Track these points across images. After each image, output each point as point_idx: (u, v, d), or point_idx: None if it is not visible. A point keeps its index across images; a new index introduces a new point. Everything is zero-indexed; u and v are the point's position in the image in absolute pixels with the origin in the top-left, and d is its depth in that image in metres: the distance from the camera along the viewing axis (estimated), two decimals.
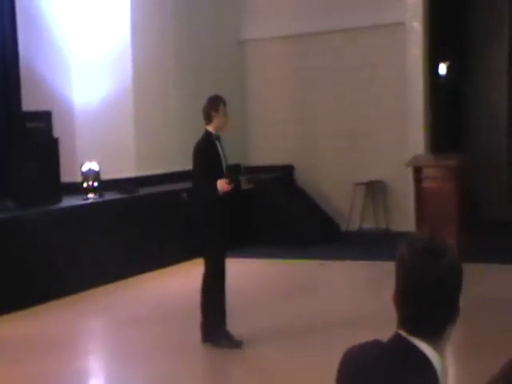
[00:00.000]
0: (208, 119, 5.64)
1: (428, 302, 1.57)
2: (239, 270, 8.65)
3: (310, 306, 6.93)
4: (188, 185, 8.87)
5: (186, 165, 9.06)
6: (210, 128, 5.63)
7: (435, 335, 1.60)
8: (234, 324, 5.79)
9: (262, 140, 11.64)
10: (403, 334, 1.61)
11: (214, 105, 5.64)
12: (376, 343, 1.66)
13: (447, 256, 1.57)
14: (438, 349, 1.59)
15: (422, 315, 1.58)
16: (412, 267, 1.58)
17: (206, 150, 5.56)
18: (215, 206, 5.53)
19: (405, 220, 10.07)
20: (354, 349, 1.69)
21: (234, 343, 5.55)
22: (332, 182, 11.09)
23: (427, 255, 1.57)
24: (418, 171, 8.45)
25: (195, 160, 5.62)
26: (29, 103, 8.58)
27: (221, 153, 5.65)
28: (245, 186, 5.83)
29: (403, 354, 1.59)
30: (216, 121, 5.61)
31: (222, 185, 5.44)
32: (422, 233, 1.64)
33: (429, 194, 8.26)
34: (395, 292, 1.63)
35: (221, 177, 5.53)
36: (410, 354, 1.59)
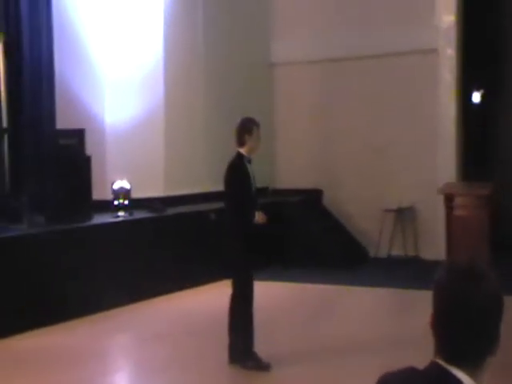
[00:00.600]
0: (240, 142, 5.63)
1: (467, 329, 1.52)
2: (265, 293, 8.59)
3: (335, 330, 6.84)
4: (216, 205, 8.91)
5: (214, 186, 9.14)
6: (242, 150, 5.63)
7: (474, 365, 1.54)
8: (259, 346, 5.73)
9: (290, 163, 11.64)
10: (440, 362, 1.56)
11: (247, 128, 5.64)
12: (412, 370, 1.61)
13: (488, 281, 1.52)
14: (476, 379, 1.54)
15: (461, 343, 1.53)
16: (451, 292, 1.53)
17: (241, 173, 5.57)
18: (247, 230, 5.57)
19: (435, 248, 9.95)
20: (389, 376, 1.64)
21: (261, 365, 5.50)
22: (360, 206, 11.01)
23: (467, 280, 1.52)
24: (449, 199, 8.34)
25: (229, 181, 5.60)
26: (62, 121, 8.70)
27: (252, 176, 5.65)
28: (260, 219, 5.71)
29: (440, 383, 1.54)
30: (249, 144, 5.61)
31: (259, 217, 5.54)
32: (462, 257, 1.59)
33: (460, 223, 8.14)
34: (432, 318, 1.59)
35: (252, 200, 5.56)
36: (447, 383, 1.54)
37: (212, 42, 10.47)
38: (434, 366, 1.57)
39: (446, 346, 1.55)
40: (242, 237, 5.54)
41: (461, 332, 1.52)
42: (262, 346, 5.74)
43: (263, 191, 11.50)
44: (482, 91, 11.55)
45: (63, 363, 5.81)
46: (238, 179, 5.55)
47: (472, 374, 1.54)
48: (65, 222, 7.55)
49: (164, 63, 9.58)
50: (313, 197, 11.27)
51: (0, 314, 6.47)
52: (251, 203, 5.61)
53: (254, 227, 5.61)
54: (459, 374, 1.53)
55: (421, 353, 1.92)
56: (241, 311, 5.54)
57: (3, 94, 8.26)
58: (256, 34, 11.56)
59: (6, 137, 8.33)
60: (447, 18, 10.55)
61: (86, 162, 8.00)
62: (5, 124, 8.31)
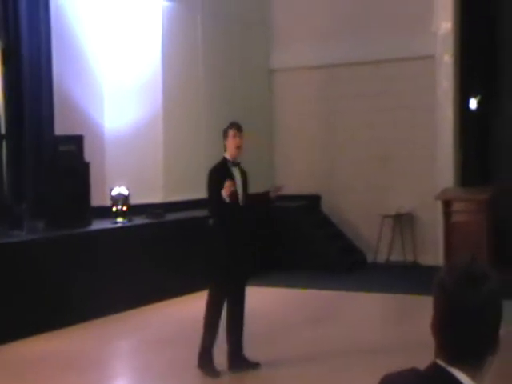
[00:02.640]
0: (224, 147, 5.72)
1: (468, 330, 1.53)
2: (264, 298, 8.61)
3: (332, 335, 6.86)
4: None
5: None
6: (226, 155, 5.68)
7: (474, 365, 1.55)
8: (259, 351, 5.72)
9: (289, 168, 11.66)
10: (441, 363, 1.57)
11: (223, 132, 5.70)
12: (413, 371, 1.63)
13: (489, 282, 1.53)
14: (476, 379, 1.55)
15: (462, 344, 1.55)
16: (452, 293, 1.54)
17: (217, 174, 5.53)
18: (227, 237, 5.51)
19: (433, 253, 9.97)
20: (391, 376, 1.65)
21: (213, 371, 5.54)
22: (359, 212, 11.04)
23: (468, 281, 1.53)
24: (447, 205, 8.36)
25: (207, 184, 5.63)
26: (61, 127, 8.71)
27: (237, 179, 5.60)
28: (274, 193, 5.84)
29: None
30: (227, 147, 5.66)
31: (224, 191, 5.35)
32: (462, 259, 1.60)
33: (458, 228, 8.15)
34: (433, 319, 1.60)
35: (231, 204, 5.45)
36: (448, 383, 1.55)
37: (211, 50, 10.50)
38: (434, 366, 1.58)
39: (447, 347, 1.56)
40: (223, 244, 5.51)
41: (461, 333, 1.54)
42: (261, 350, 5.74)
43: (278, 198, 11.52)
44: (479, 97, 11.58)
45: (65, 369, 5.81)
46: (213, 183, 5.50)
47: (473, 374, 1.55)
48: (64, 227, 7.56)
49: (163, 70, 9.60)
50: (312, 202, 11.29)
51: (1, 319, 6.47)
52: (230, 208, 5.48)
53: (239, 233, 5.56)
54: (460, 374, 1.54)
55: (420, 356, 1.93)
56: (208, 316, 5.57)
57: (1, 101, 8.27)
58: (255, 40, 11.60)
59: (4, 143, 8.33)
60: (444, 24, 10.60)
61: (84, 168, 8.01)
62: (3, 130, 8.32)
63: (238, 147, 5.64)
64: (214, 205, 5.55)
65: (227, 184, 5.36)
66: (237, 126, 5.68)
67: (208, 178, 5.63)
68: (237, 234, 5.57)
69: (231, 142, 5.62)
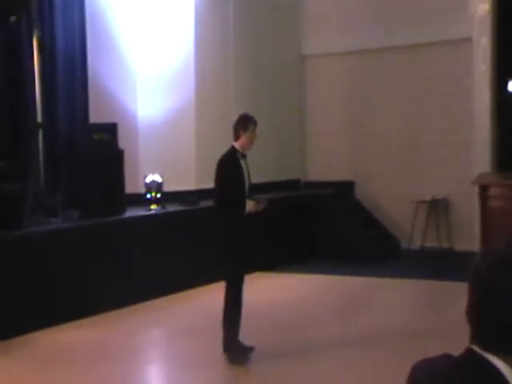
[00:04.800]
0: (236, 136, 5.67)
1: (503, 315, 1.49)
2: (298, 286, 8.60)
3: (367, 322, 6.82)
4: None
5: None
6: (237, 145, 5.65)
7: (510, 351, 1.52)
8: (294, 336, 5.71)
9: (322, 155, 11.59)
10: (476, 349, 1.54)
11: (243, 124, 5.67)
12: (447, 358, 1.59)
13: None
14: None
15: (497, 329, 1.51)
16: (487, 278, 1.50)
17: (229, 165, 5.55)
18: (237, 224, 5.52)
19: (469, 239, 9.81)
20: (424, 363, 1.62)
21: (238, 358, 5.52)
22: (393, 198, 10.93)
23: (504, 265, 1.49)
24: (484, 190, 8.21)
25: (217, 174, 5.60)
26: (95, 115, 8.78)
27: (245, 171, 5.63)
28: (251, 208, 5.63)
29: (476, 370, 1.52)
30: (242, 139, 5.63)
31: (250, 206, 5.51)
32: (499, 245, 1.56)
33: (495, 214, 8.00)
34: (468, 305, 1.56)
35: (244, 196, 5.52)
36: (483, 369, 1.51)
37: (242, 37, 10.46)
38: (469, 352, 1.54)
39: (482, 333, 1.53)
40: (232, 236, 5.51)
41: (496, 318, 1.50)
42: (297, 336, 5.73)
43: (295, 184, 11.48)
44: None
45: (95, 357, 5.87)
46: (228, 174, 5.52)
47: (509, 360, 1.51)
48: (98, 215, 7.63)
49: (195, 58, 9.60)
50: (345, 189, 11.21)
51: (32, 307, 6.58)
52: (243, 200, 5.53)
53: (247, 225, 5.57)
54: (496, 360, 1.51)
55: (455, 343, 1.89)
56: (228, 311, 5.56)
57: (38, 90, 8.38)
58: (287, 26, 11.51)
59: (40, 132, 8.44)
60: (481, 6, 10.38)
61: (118, 155, 8.07)
62: (40, 119, 8.43)
63: (253, 143, 5.72)
64: (226, 196, 5.51)
65: (255, 207, 5.54)
66: (256, 123, 5.73)
67: (218, 168, 5.59)
68: (245, 230, 5.58)
69: (250, 137, 5.64)
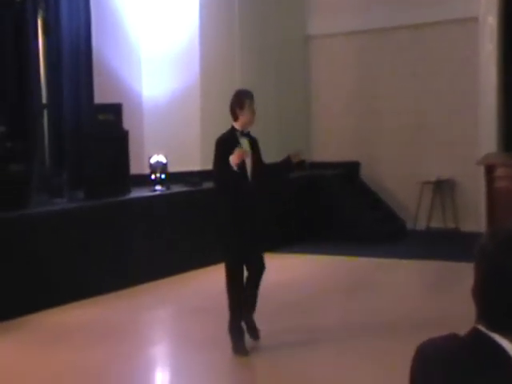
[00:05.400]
0: (233, 116, 5.30)
1: (510, 294, 1.49)
2: (303, 267, 8.62)
3: (373, 303, 6.83)
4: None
5: None
6: (236, 125, 5.30)
7: None
8: (300, 318, 5.72)
9: (327, 136, 11.54)
10: (482, 329, 1.53)
11: (239, 101, 5.28)
12: (453, 338, 1.59)
13: None
14: None
15: (503, 309, 1.51)
16: (494, 257, 1.50)
17: (225, 145, 5.14)
18: (235, 209, 5.19)
19: (475, 219, 9.81)
20: (429, 343, 1.62)
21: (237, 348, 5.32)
22: (398, 178, 10.90)
23: (511, 244, 1.49)
24: (490, 170, 8.18)
25: (214, 155, 5.24)
26: (100, 96, 8.76)
27: (245, 148, 5.21)
28: (294, 158, 5.43)
29: (482, 350, 1.52)
30: (241, 118, 5.26)
31: (233, 158, 5.02)
32: (506, 225, 1.55)
33: (501, 194, 7.98)
34: (474, 285, 1.56)
35: (239, 176, 5.12)
36: (489, 349, 1.51)
37: (247, 16, 10.38)
38: (475, 332, 1.54)
39: (488, 312, 1.53)
40: (229, 218, 5.23)
41: (502, 297, 1.50)
42: (303, 317, 5.74)
43: (299, 164, 11.45)
44: None
45: (101, 337, 5.89)
46: (222, 155, 5.10)
47: None
48: (103, 196, 7.65)
49: (200, 38, 9.55)
50: (350, 170, 11.19)
51: (38, 286, 6.61)
52: (239, 180, 5.16)
53: (249, 206, 5.21)
54: (502, 340, 1.50)
55: (461, 323, 1.89)
56: (228, 292, 5.36)
57: (42, 71, 8.35)
58: (292, 6, 11.42)
59: (45, 113, 8.43)
60: None
61: (123, 136, 8.06)
62: (44, 100, 8.41)
63: (253, 119, 5.33)
64: (220, 177, 5.24)
65: (238, 152, 5.04)
66: (252, 96, 5.33)
67: (215, 148, 5.24)
68: (244, 212, 5.20)
69: (248, 113, 5.25)
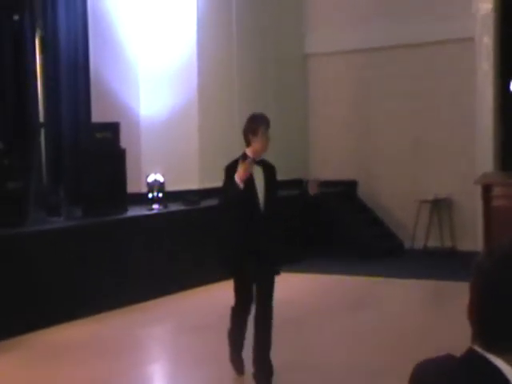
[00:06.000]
0: (246, 141, 4.94)
1: (505, 314, 1.48)
2: (300, 284, 8.59)
3: (369, 321, 6.80)
4: None
5: None
6: (248, 151, 4.91)
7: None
8: (295, 337, 5.69)
9: (325, 154, 11.56)
10: (478, 349, 1.52)
11: (252, 127, 4.91)
12: (448, 358, 1.58)
13: None
14: None
15: (499, 329, 1.49)
16: (490, 276, 1.49)
17: (233, 171, 4.72)
18: (240, 240, 4.87)
19: (472, 239, 9.80)
20: (426, 363, 1.61)
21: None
22: (396, 197, 10.91)
23: (508, 264, 1.48)
24: (487, 189, 8.19)
25: (223, 181, 4.88)
26: (97, 114, 8.78)
27: (257, 180, 4.85)
28: (312, 190, 5.03)
29: (477, 371, 1.50)
30: (254, 145, 4.89)
31: (238, 173, 4.66)
32: (503, 243, 1.54)
33: (498, 213, 7.99)
34: (470, 304, 1.55)
35: (252, 210, 4.79)
36: (485, 370, 1.50)
37: (245, 34, 10.44)
38: (470, 353, 1.53)
39: (483, 332, 1.52)
40: (234, 245, 4.96)
41: (498, 317, 1.48)
42: (298, 337, 5.71)
43: (296, 183, 11.46)
44: None
45: (98, 355, 5.87)
46: (228, 180, 4.76)
47: (511, 361, 1.50)
48: (100, 214, 7.64)
49: (198, 56, 9.59)
50: (348, 188, 11.20)
51: (36, 305, 6.59)
52: (245, 212, 4.84)
53: (256, 245, 4.80)
54: (497, 361, 1.49)
55: (457, 343, 1.88)
56: (231, 316, 5.13)
57: (40, 89, 8.38)
58: (290, 24, 11.50)
59: (43, 131, 8.45)
60: (484, 5, 10.35)
61: (120, 155, 8.07)
62: (42, 118, 8.43)
63: (267, 145, 4.96)
64: (226, 196, 4.89)
65: (242, 165, 4.66)
66: (267, 122, 4.96)
67: (224, 175, 4.87)
68: (253, 246, 4.83)
69: (261, 141, 4.86)
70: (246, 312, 5.03)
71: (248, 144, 4.93)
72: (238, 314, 5.07)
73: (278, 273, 4.95)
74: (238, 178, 4.65)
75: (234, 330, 5.11)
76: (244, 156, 4.87)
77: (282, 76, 11.11)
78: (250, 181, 4.76)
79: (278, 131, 11.51)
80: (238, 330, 5.08)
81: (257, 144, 4.89)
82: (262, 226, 4.84)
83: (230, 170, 4.79)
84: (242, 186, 4.66)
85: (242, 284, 4.94)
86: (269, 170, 5.01)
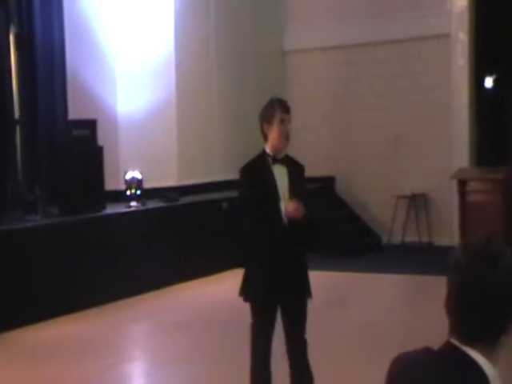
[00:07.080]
0: (264, 136, 3.94)
1: (482, 308, 1.51)
2: None
3: (346, 317, 6.85)
4: (229, 194, 8.92)
5: (228, 174, 9.15)
6: (267, 148, 3.92)
7: (488, 344, 1.53)
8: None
9: (303, 151, 11.55)
10: (455, 342, 1.55)
11: (265, 115, 3.91)
12: (426, 351, 1.61)
13: (505, 260, 1.51)
14: (490, 358, 1.53)
15: (475, 322, 1.53)
16: (467, 271, 1.52)
17: (251, 174, 3.91)
18: (260, 246, 3.89)
19: (449, 233, 9.91)
20: (403, 357, 1.64)
21: None
22: (373, 193, 10.98)
23: (484, 258, 1.50)
24: (462, 184, 8.30)
25: (239, 185, 4.12)
26: (74, 112, 8.71)
27: (278, 180, 3.87)
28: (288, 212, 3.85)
29: (454, 363, 1.53)
30: (271, 137, 3.88)
31: (288, 209, 3.80)
32: (479, 238, 1.57)
33: (474, 208, 8.10)
34: (447, 298, 1.58)
35: (273, 211, 3.82)
36: (462, 362, 1.53)
37: (224, 31, 10.43)
38: (448, 346, 1.56)
39: (460, 326, 1.55)
40: (252, 255, 3.95)
41: (474, 311, 1.51)
42: (276, 332, 5.70)
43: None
44: (495, 76, 11.44)
45: (81, 353, 5.85)
46: (247, 181, 3.93)
47: (487, 353, 1.53)
48: (78, 212, 7.58)
49: (175, 52, 9.56)
50: (326, 184, 11.24)
51: (15, 304, 6.54)
52: (268, 217, 3.83)
53: (279, 262, 3.85)
54: (473, 353, 1.52)
55: (435, 337, 1.91)
56: (252, 344, 4.15)
57: (15, 86, 8.28)
58: (268, 21, 11.51)
59: (18, 128, 8.35)
60: (459, 2, 10.46)
61: (98, 152, 8.02)
62: (17, 115, 8.34)
63: (287, 137, 3.90)
64: (247, 217, 3.90)
65: (294, 205, 3.77)
66: (285, 106, 3.92)
67: (240, 179, 4.01)
68: (276, 263, 3.86)
69: (278, 130, 3.85)
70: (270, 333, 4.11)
71: (264, 137, 3.94)
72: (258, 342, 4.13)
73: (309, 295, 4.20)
74: (287, 214, 3.81)
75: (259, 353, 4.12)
76: (263, 154, 3.94)
77: (260, 72, 11.12)
78: (271, 187, 3.86)
79: (257, 127, 11.53)
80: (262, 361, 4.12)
81: (273, 134, 3.86)
82: (285, 242, 3.85)
83: (247, 175, 3.94)
84: (285, 220, 3.82)
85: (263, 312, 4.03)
86: (295, 170, 4.01)
